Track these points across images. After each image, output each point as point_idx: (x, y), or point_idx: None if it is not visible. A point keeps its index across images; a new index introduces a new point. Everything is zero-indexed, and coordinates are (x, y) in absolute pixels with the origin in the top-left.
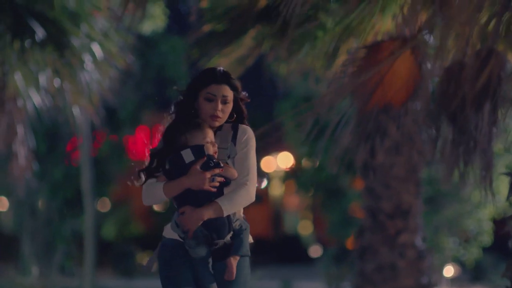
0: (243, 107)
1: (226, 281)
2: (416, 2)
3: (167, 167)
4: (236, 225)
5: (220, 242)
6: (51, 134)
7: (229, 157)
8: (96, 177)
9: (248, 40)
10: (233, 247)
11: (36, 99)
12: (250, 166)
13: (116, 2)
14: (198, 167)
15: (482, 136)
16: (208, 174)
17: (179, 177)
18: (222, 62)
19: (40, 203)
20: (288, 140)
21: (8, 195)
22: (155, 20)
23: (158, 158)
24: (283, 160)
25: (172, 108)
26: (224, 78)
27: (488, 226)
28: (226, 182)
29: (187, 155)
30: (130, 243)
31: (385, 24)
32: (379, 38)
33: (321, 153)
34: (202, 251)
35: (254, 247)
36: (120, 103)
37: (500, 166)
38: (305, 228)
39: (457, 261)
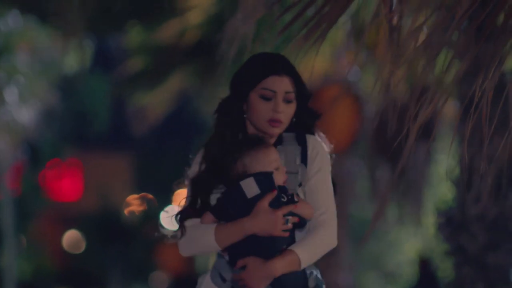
0: (313, 109)
1: None
2: (349, 43)
3: (215, 202)
4: (311, 281)
5: None
6: None
7: (300, 185)
8: (16, 214)
9: (175, 78)
10: None
11: None
12: (328, 197)
13: (40, 38)
14: (266, 204)
15: (417, 175)
16: (281, 214)
17: (238, 218)
18: (148, 100)
19: None
20: None
21: None
22: (78, 57)
23: (201, 191)
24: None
25: (214, 116)
26: (286, 67)
27: (412, 265)
28: (301, 223)
29: (250, 187)
30: (47, 281)
31: (319, 64)
32: (312, 78)
33: None
34: None
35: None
36: (41, 139)
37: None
38: None
39: None
